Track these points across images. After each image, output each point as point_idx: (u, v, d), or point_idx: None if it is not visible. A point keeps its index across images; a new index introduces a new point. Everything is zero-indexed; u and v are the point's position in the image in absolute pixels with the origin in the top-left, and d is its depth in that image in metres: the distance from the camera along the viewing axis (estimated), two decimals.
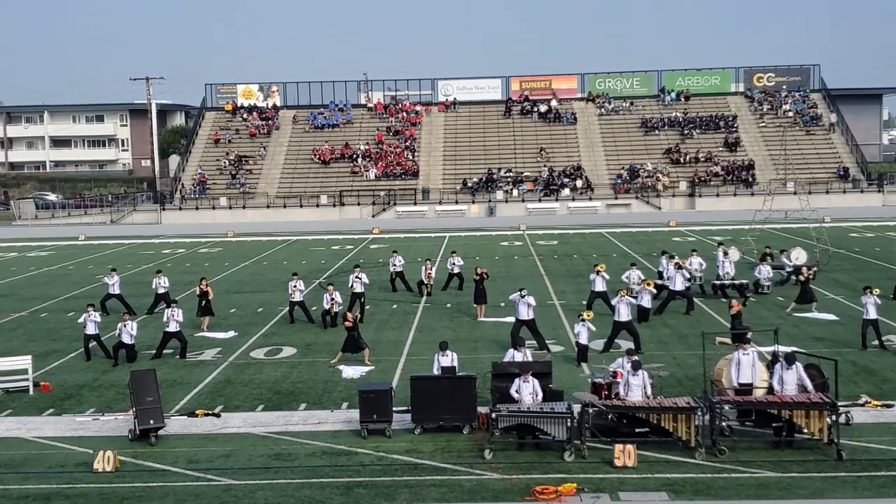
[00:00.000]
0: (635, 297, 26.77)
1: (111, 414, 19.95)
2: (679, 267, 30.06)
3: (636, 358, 18.05)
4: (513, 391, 17.31)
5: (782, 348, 18.69)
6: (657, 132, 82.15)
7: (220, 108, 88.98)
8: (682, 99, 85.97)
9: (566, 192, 75.26)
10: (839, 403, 16.54)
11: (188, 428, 18.76)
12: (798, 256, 34.19)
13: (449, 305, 31.98)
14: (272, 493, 15.12)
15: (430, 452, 16.80)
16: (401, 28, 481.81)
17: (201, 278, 30.62)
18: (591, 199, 74.32)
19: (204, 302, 29.07)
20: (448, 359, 19.33)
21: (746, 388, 17.71)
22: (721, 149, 79.11)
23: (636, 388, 17.45)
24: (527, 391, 17.27)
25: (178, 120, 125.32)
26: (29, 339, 27.97)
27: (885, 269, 36.60)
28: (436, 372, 19.20)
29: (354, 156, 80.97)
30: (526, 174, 77.78)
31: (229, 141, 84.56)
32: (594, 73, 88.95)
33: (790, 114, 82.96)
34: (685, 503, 14.34)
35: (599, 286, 29.20)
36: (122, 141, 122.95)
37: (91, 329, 24.95)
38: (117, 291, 31.84)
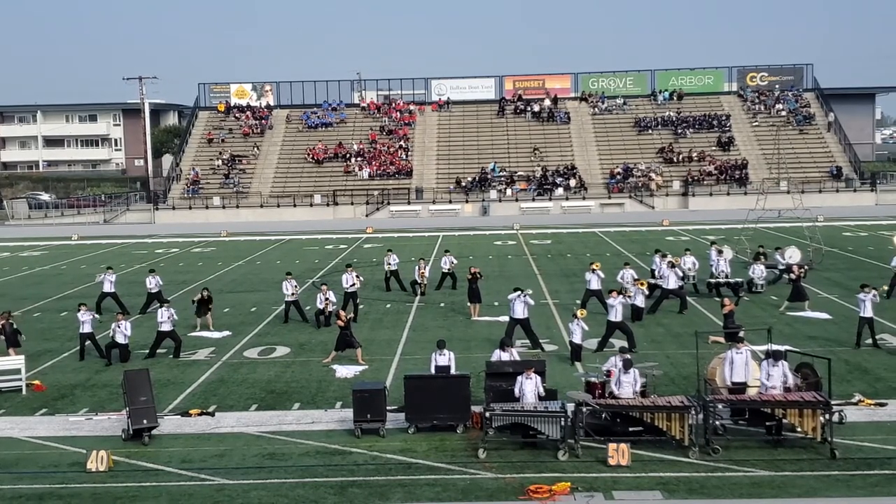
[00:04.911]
0: (628, 297, 26.76)
1: (104, 414, 19.92)
2: (672, 266, 30.09)
3: (627, 356, 18.08)
4: (516, 389, 17.34)
5: (776, 347, 18.71)
6: (650, 131, 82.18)
7: (214, 108, 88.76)
8: (676, 98, 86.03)
9: (560, 191, 75.26)
10: (832, 402, 16.58)
11: (181, 427, 18.74)
12: (792, 255, 34.25)
13: (443, 305, 31.97)
14: (266, 492, 15.10)
15: (424, 452, 16.80)
16: (394, 27, 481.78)
17: (204, 288, 30.31)
18: (584, 198, 74.27)
19: (202, 306, 28.94)
20: (445, 358, 19.29)
21: (740, 387, 17.76)
22: (714, 148, 79.17)
23: (626, 386, 17.52)
24: (529, 389, 17.28)
25: (172, 119, 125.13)
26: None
27: (878, 269, 36.67)
28: (433, 371, 19.19)
29: (348, 155, 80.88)
30: (519, 173, 77.78)
31: (223, 140, 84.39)
32: (587, 72, 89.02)
33: (783, 113, 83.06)
34: (679, 502, 14.35)
35: (595, 284, 29.22)
36: (116, 140, 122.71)
37: (87, 328, 24.90)
38: (111, 290, 31.79)
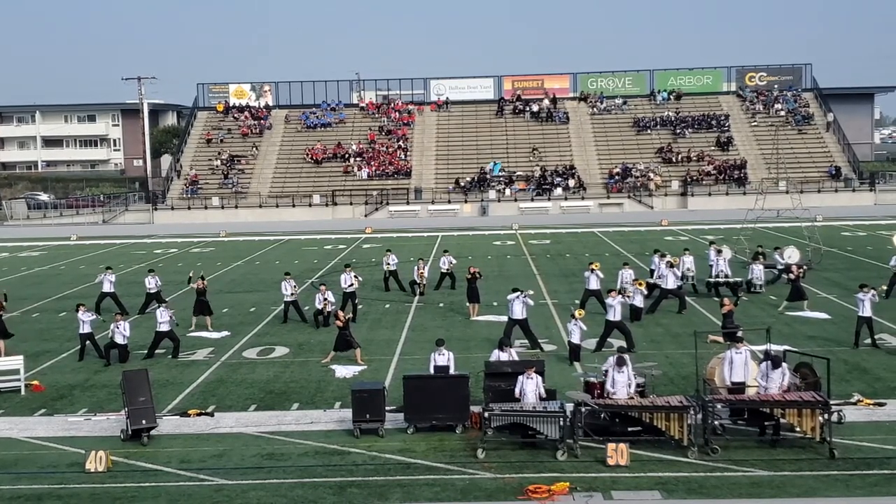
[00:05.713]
0: (627, 297, 26.75)
1: (103, 414, 19.91)
2: (671, 265, 30.09)
3: (622, 354, 18.05)
4: (516, 389, 17.32)
5: (775, 347, 18.72)
6: (649, 131, 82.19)
7: (212, 108, 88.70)
8: (674, 98, 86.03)
9: (558, 191, 75.27)
10: (831, 402, 16.58)
11: (180, 428, 18.73)
12: (791, 255, 34.26)
13: (441, 305, 31.97)
14: (265, 492, 15.09)
15: (423, 452, 16.80)
16: (393, 27, 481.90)
17: (201, 277, 30.37)
18: (583, 198, 74.30)
19: (202, 298, 28.95)
20: (444, 357, 19.23)
21: (739, 387, 17.75)
22: (713, 148, 79.20)
23: (621, 385, 17.49)
24: (530, 389, 17.27)
25: (170, 120, 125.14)
26: (20, 339, 27.79)
27: (876, 268, 36.67)
28: (432, 370, 19.17)
29: (347, 155, 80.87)
30: (518, 173, 77.78)
31: (221, 141, 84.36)
32: (586, 72, 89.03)
33: (782, 113, 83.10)
34: (678, 502, 14.35)
35: (594, 284, 29.22)
36: (114, 141, 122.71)
37: (87, 328, 24.89)
38: (111, 290, 31.76)
